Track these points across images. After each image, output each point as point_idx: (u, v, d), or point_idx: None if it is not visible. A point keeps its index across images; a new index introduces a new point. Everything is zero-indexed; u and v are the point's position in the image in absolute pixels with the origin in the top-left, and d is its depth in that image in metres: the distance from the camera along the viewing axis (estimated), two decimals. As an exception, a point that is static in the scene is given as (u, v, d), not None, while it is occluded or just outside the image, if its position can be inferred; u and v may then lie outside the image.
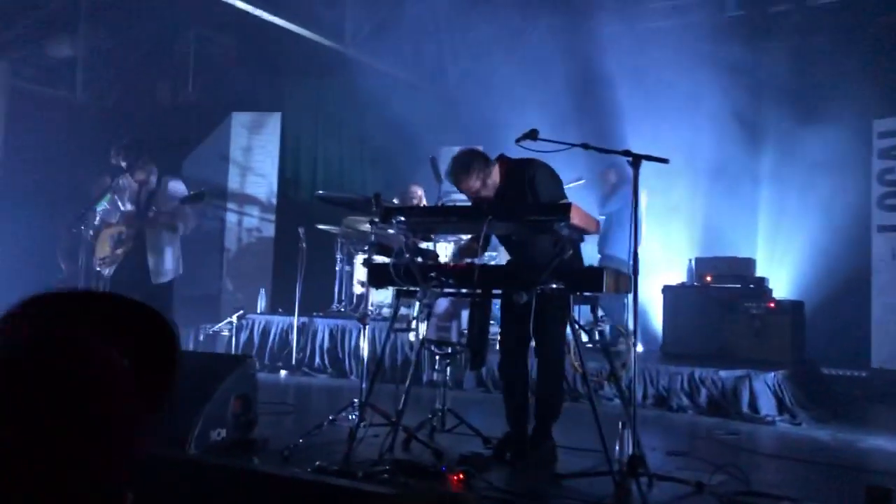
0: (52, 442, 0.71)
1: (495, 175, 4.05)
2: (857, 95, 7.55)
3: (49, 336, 0.77)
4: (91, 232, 6.01)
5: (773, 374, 5.83)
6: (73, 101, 9.71)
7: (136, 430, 0.77)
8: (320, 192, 5.45)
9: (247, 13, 8.12)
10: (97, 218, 5.97)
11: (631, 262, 3.49)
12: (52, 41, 9.57)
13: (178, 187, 5.95)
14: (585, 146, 3.75)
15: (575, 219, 3.40)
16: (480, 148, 9.50)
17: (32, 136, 8.44)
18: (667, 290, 7.34)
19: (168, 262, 5.78)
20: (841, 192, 7.67)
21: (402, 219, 3.86)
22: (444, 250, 7.32)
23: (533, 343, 4.11)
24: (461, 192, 4.15)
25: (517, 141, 3.93)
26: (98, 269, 5.85)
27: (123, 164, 5.84)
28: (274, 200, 9.53)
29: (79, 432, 0.73)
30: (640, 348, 7.76)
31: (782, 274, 7.82)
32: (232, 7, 7.94)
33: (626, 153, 3.57)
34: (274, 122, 9.66)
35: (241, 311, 8.06)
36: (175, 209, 5.74)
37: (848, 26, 8.22)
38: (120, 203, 5.92)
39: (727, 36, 8.34)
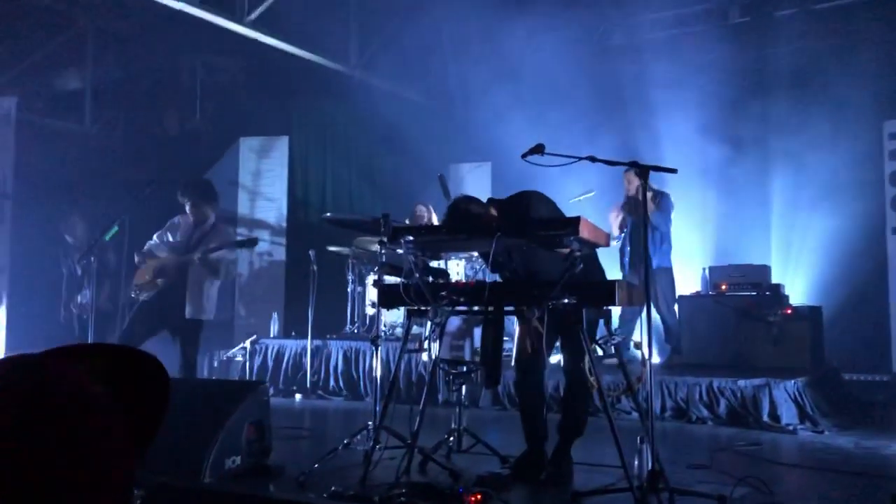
0: (38, 477, 0.72)
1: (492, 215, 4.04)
2: (868, 97, 7.51)
3: (37, 374, 0.78)
4: (137, 259, 6.07)
5: (793, 381, 5.75)
6: (82, 132, 9.78)
7: (123, 466, 0.79)
8: (328, 214, 5.44)
9: (252, 40, 8.17)
10: (146, 247, 6.03)
11: (644, 274, 3.45)
12: (61, 74, 9.66)
13: (229, 232, 6.04)
14: (592, 159, 3.72)
15: (584, 232, 3.37)
16: (489, 164, 9.60)
17: (42, 168, 8.50)
18: (682, 300, 7.28)
19: (204, 301, 5.80)
20: (854, 194, 7.60)
21: (411, 238, 3.83)
22: (456, 268, 7.30)
23: (560, 359, 4.07)
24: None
25: (523, 156, 3.91)
26: (133, 294, 5.89)
27: (187, 202, 5.93)
28: (284, 224, 9.54)
29: (64, 467, 0.73)
30: (656, 360, 7.73)
31: (798, 280, 7.76)
32: (237, 34, 7.99)
33: (634, 164, 3.54)
34: (282, 145, 9.70)
35: (255, 336, 8.06)
36: (222, 255, 5.78)
37: (854, 29, 8.18)
38: (170, 237, 5.97)
39: (733, 43, 8.33)
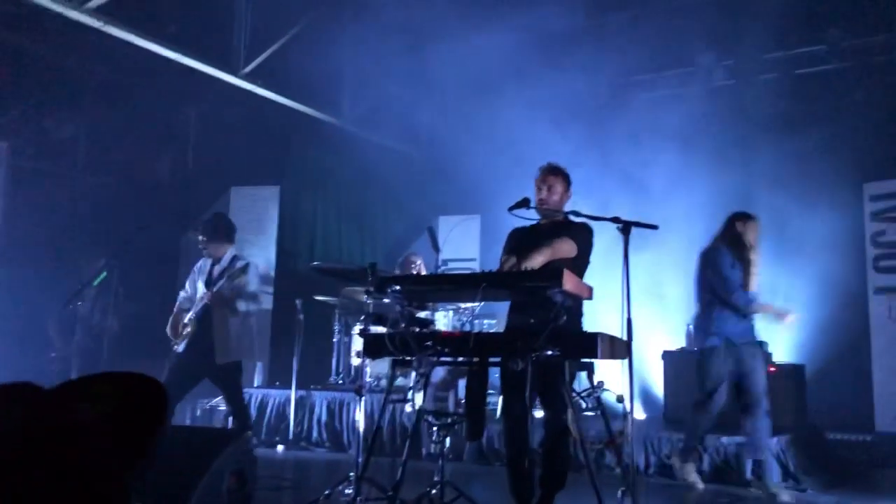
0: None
1: (562, 205, 4.23)
2: (847, 160, 7.68)
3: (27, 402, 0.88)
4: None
5: (775, 439, 5.76)
6: (74, 178, 9.84)
7: (113, 483, 0.86)
8: (316, 263, 5.47)
9: (247, 91, 8.30)
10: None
11: (625, 327, 3.50)
12: (54, 120, 9.76)
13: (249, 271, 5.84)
14: (576, 213, 3.81)
15: (567, 285, 3.42)
16: (478, 217, 9.68)
17: (33, 213, 8.53)
18: (666, 355, 7.31)
19: (232, 342, 5.65)
20: (836, 255, 7.70)
21: (397, 288, 3.87)
22: (444, 319, 7.33)
23: (541, 412, 4.09)
24: (539, 183, 4.27)
25: (510, 209, 4.00)
26: (174, 347, 5.74)
27: (201, 238, 5.84)
28: (272, 273, 9.56)
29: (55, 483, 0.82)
30: (643, 416, 7.73)
31: (781, 338, 7.79)
32: (232, 84, 8.12)
33: (616, 220, 3.61)
34: (273, 195, 9.78)
35: (239, 385, 8.00)
36: (235, 289, 5.67)
37: (834, 93, 8.41)
38: (196, 285, 5.85)
39: (716, 104, 8.54)
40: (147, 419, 0.95)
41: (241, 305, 5.76)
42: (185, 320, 5.68)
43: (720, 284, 5.63)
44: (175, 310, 5.85)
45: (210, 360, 5.58)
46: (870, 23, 8.20)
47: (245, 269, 5.66)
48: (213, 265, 5.87)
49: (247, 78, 8.12)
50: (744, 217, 5.79)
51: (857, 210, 7.64)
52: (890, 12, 8.02)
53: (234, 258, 5.87)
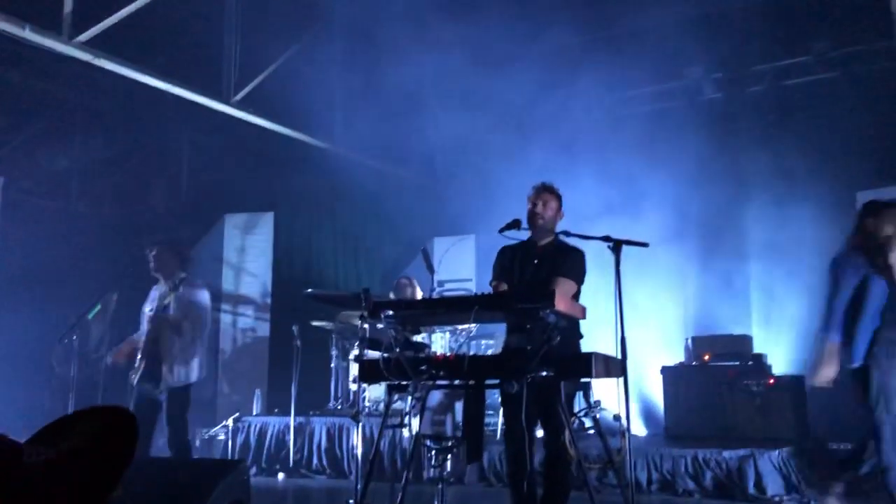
0: None
1: (555, 223, 4.25)
2: (839, 169, 7.70)
3: None
4: (117, 347, 5.82)
5: (777, 452, 5.73)
6: (68, 209, 9.85)
7: None
8: (310, 290, 5.47)
9: (238, 119, 8.31)
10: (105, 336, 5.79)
11: (619, 346, 3.49)
12: (49, 153, 9.78)
13: (197, 292, 5.79)
14: (566, 233, 3.81)
15: (560, 305, 3.41)
16: (472, 237, 9.68)
17: (29, 247, 8.53)
18: (666, 370, 7.29)
19: (175, 367, 5.56)
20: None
21: (391, 312, 3.87)
22: (441, 340, 7.31)
23: (541, 433, 4.08)
24: (534, 198, 4.31)
25: (501, 231, 4.01)
26: (134, 383, 5.65)
27: (151, 258, 5.73)
28: (268, 300, 9.54)
29: None
30: (644, 432, 7.69)
31: (780, 350, 7.78)
32: (223, 113, 8.14)
33: (607, 238, 3.62)
34: (267, 222, 9.78)
35: (237, 414, 7.97)
36: (183, 311, 5.59)
37: (824, 103, 8.45)
38: (148, 310, 5.77)
39: (707, 118, 8.58)
40: (118, 448, 1.01)
41: (186, 331, 5.67)
42: (135, 349, 5.63)
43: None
44: (130, 345, 5.77)
45: (158, 384, 5.53)
46: (855, 32, 8.25)
47: (185, 280, 5.61)
48: (162, 290, 5.77)
49: (237, 106, 8.14)
50: (874, 209, 4.63)
51: (850, 219, 7.62)
52: (874, 21, 8.06)
53: (184, 283, 5.76)
